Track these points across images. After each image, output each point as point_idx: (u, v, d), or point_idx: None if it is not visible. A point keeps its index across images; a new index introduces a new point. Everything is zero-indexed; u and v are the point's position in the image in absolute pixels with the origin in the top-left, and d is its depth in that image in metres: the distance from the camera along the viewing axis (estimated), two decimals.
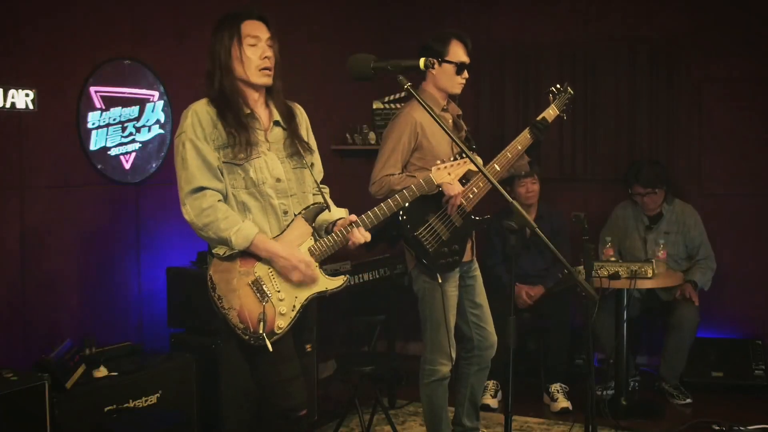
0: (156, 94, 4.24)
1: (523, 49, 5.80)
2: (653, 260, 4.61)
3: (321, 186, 3.04)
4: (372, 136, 5.68)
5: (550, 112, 3.77)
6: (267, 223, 2.79)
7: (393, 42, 5.94)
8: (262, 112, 2.87)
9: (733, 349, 5.14)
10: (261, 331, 2.67)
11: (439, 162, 2.92)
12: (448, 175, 2.91)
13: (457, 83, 3.67)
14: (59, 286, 3.80)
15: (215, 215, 2.68)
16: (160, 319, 4.11)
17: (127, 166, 4.11)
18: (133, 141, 4.12)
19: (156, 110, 4.22)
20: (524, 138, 3.69)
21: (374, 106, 5.79)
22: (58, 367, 3.31)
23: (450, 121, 3.73)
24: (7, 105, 3.53)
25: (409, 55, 2.95)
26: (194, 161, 2.70)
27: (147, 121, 4.18)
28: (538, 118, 3.72)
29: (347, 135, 5.74)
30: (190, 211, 2.71)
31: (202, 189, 2.70)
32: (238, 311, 2.69)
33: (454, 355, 3.68)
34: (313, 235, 2.82)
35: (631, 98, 5.57)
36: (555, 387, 4.81)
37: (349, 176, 5.58)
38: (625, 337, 4.67)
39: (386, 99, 5.73)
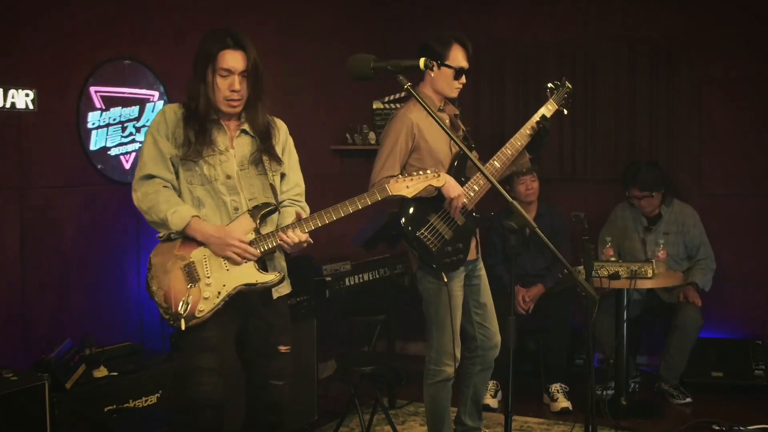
0: (156, 94, 4.24)
1: (523, 49, 5.80)
2: (653, 260, 4.61)
3: (296, 200, 3.11)
4: (372, 136, 5.68)
5: (549, 107, 3.75)
6: (219, 218, 2.92)
7: (393, 42, 5.94)
8: (231, 121, 2.99)
9: (733, 349, 5.14)
10: (181, 312, 2.79)
11: (398, 175, 2.89)
12: (407, 188, 2.90)
13: (454, 87, 3.66)
14: (59, 286, 3.80)
15: (157, 198, 2.85)
16: (160, 319, 4.11)
17: (127, 166, 4.11)
18: (133, 141, 4.12)
19: (156, 110, 4.22)
20: (524, 135, 3.68)
21: (374, 106, 5.79)
22: (58, 367, 3.31)
23: (447, 121, 3.72)
24: (7, 105, 3.53)
25: (408, 55, 2.95)
26: (149, 152, 2.91)
27: (147, 121, 4.17)
28: (537, 115, 3.70)
29: (347, 135, 5.74)
30: (139, 195, 2.89)
31: (151, 177, 2.89)
32: (165, 291, 2.84)
33: (458, 356, 3.67)
34: (256, 231, 2.88)
35: (631, 98, 5.57)
36: (555, 387, 4.81)
37: (349, 176, 5.58)
38: (625, 337, 4.67)
39: (386, 99, 5.73)
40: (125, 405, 3.51)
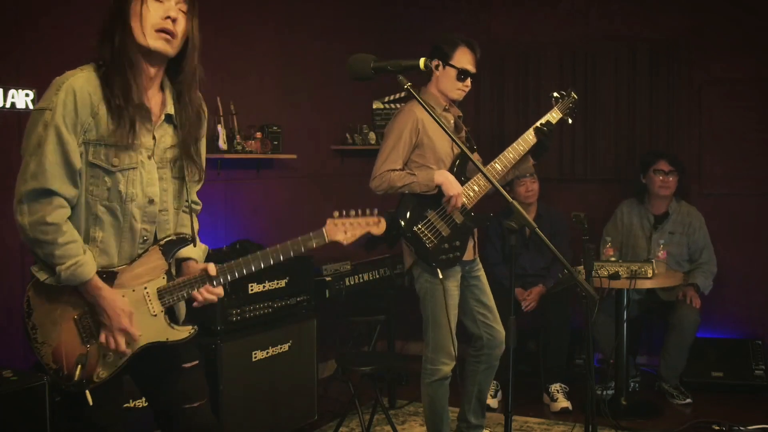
0: None
1: (523, 49, 5.80)
2: (653, 260, 4.61)
3: (194, 202, 2.53)
4: (372, 136, 5.68)
5: (554, 115, 3.78)
6: (117, 247, 2.29)
7: (393, 42, 5.94)
8: (154, 97, 2.33)
9: (733, 349, 5.14)
10: (77, 378, 2.24)
11: (336, 214, 2.52)
12: (344, 233, 2.50)
13: (456, 89, 3.69)
14: None
15: (54, 237, 2.16)
16: None
17: None
18: None
19: None
20: (527, 140, 3.69)
21: (374, 106, 5.79)
22: None
23: (451, 121, 3.75)
24: (7, 105, 3.53)
25: (408, 55, 2.95)
26: (53, 156, 2.17)
27: None
28: (542, 121, 3.72)
29: (347, 135, 5.74)
30: (26, 213, 2.17)
31: (50, 194, 2.17)
32: (53, 348, 2.24)
33: (455, 354, 3.68)
34: (167, 272, 2.35)
35: (631, 98, 5.57)
36: (555, 387, 4.81)
37: (349, 176, 5.58)
38: (625, 337, 4.67)
39: (386, 99, 5.73)
40: (125, 405, 3.50)
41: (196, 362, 2.47)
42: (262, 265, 2.40)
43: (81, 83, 2.20)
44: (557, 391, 4.79)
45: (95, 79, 2.21)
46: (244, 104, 4.69)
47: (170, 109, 2.34)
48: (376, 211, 2.57)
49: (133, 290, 2.31)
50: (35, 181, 2.17)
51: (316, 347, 4.39)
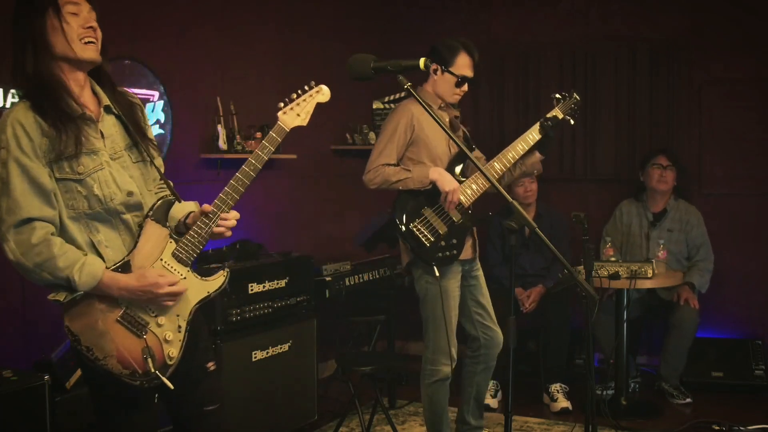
0: (156, 94, 4.24)
1: (523, 49, 5.80)
2: (653, 260, 4.61)
3: (165, 179, 2.56)
4: (372, 136, 5.68)
5: (555, 114, 3.78)
6: (120, 241, 2.33)
7: (393, 42, 5.94)
8: (89, 100, 2.35)
9: (733, 349, 5.14)
10: (152, 370, 2.26)
11: (281, 105, 2.52)
12: (298, 116, 2.50)
13: (454, 94, 3.72)
14: None
15: (49, 252, 2.18)
16: None
17: None
18: None
19: (156, 110, 4.22)
20: (527, 139, 3.68)
21: (374, 106, 5.79)
22: (58, 367, 3.31)
23: (446, 120, 3.74)
24: (8, 105, 3.52)
25: (408, 55, 2.95)
26: (20, 185, 2.17)
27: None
28: (547, 116, 3.71)
29: (347, 135, 5.74)
30: (14, 248, 2.18)
31: (29, 221, 2.18)
32: (117, 356, 2.25)
33: (455, 355, 3.68)
34: (171, 236, 2.37)
35: (631, 98, 5.57)
36: (555, 387, 4.81)
37: (349, 176, 5.57)
38: (625, 337, 4.68)
39: (386, 99, 5.73)
40: None
41: (215, 364, 2.50)
42: (248, 182, 2.40)
43: (22, 112, 2.20)
44: (557, 391, 4.79)
45: (32, 107, 2.21)
46: (244, 104, 4.69)
47: (106, 100, 2.36)
48: (312, 83, 2.56)
49: (153, 267, 2.33)
50: (12, 216, 2.18)
51: (316, 347, 4.39)
